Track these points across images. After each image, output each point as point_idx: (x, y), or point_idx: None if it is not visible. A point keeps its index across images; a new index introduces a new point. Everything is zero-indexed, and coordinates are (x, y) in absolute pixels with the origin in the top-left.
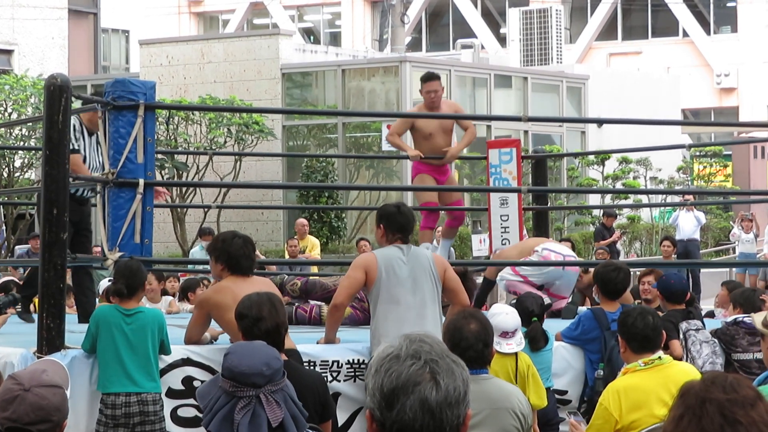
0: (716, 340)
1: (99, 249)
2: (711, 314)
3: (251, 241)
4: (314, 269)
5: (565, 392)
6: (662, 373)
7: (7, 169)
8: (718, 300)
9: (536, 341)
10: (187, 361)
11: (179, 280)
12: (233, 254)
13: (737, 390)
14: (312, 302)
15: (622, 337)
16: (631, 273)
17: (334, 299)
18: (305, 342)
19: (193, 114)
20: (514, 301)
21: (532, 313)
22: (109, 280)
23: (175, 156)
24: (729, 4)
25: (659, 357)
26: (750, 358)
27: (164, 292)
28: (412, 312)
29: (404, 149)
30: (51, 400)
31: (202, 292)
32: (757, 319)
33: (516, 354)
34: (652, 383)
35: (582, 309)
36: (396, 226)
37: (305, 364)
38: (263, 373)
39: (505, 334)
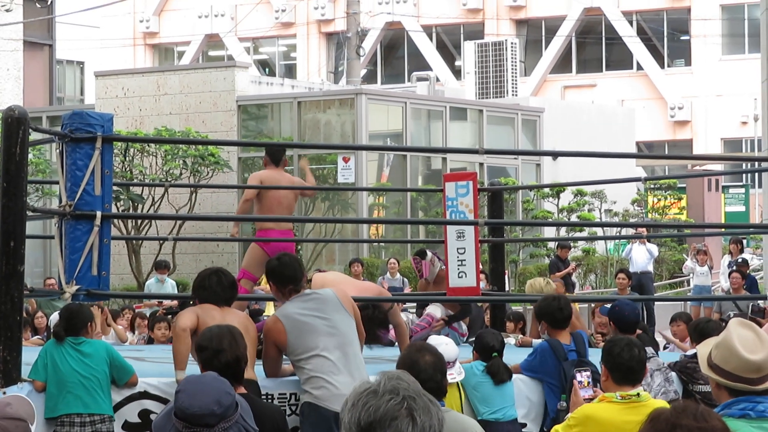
0: (668, 368)
1: (54, 281)
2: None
3: (227, 275)
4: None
5: (524, 425)
6: (638, 410)
7: None
8: (678, 335)
9: (499, 375)
10: (143, 394)
11: (134, 312)
12: (205, 285)
13: (707, 419)
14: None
15: (605, 365)
16: (588, 306)
17: (267, 375)
18: None
19: (148, 146)
20: (473, 338)
21: (492, 348)
22: (60, 315)
23: (131, 188)
24: (682, 38)
25: (638, 394)
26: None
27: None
28: (335, 353)
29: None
30: None
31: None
32: (701, 358)
33: (458, 384)
34: (623, 419)
35: (537, 342)
36: (282, 279)
37: (263, 397)
38: (215, 412)
39: (447, 364)
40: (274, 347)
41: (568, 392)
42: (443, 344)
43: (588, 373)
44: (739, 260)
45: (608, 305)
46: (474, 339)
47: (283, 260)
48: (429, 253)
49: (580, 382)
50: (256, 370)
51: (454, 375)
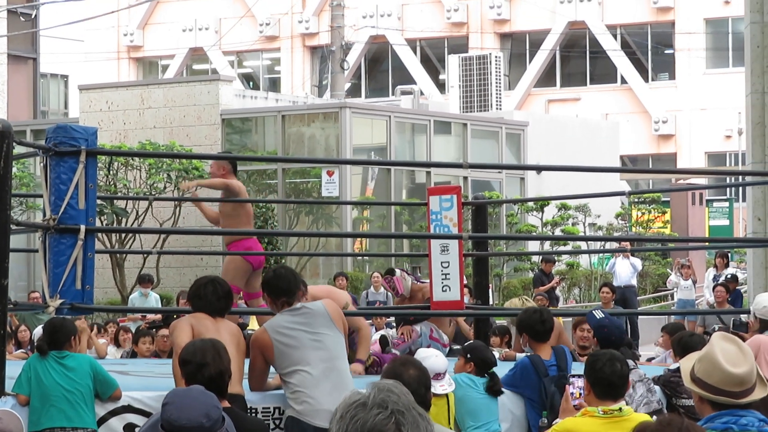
0: (650, 378)
1: (38, 295)
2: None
3: (223, 285)
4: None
5: None
6: (620, 425)
7: None
8: (663, 345)
9: (497, 390)
10: (127, 408)
11: (118, 326)
12: (200, 294)
13: None
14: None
15: (588, 380)
16: (570, 320)
17: (251, 388)
18: None
19: (132, 159)
20: (469, 349)
21: (493, 363)
22: (43, 328)
23: (115, 202)
24: (667, 52)
25: (620, 408)
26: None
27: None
28: (319, 368)
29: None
30: None
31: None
32: (684, 372)
33: (447, 395)
34: None
35: (521, 356)
36: (277, 291)
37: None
38: (203, 425)
39: (437, 376)
40: (261, 358)
41: (548, 408)
42: (432, 356)
43: (581, 382)
44: (729, 276)
45: (596, 313)
46: (468, 351)
47: (278, 272)
48: (397, 270)
49: (572, 393)
50: (243, 385)
51: (444, 386)
